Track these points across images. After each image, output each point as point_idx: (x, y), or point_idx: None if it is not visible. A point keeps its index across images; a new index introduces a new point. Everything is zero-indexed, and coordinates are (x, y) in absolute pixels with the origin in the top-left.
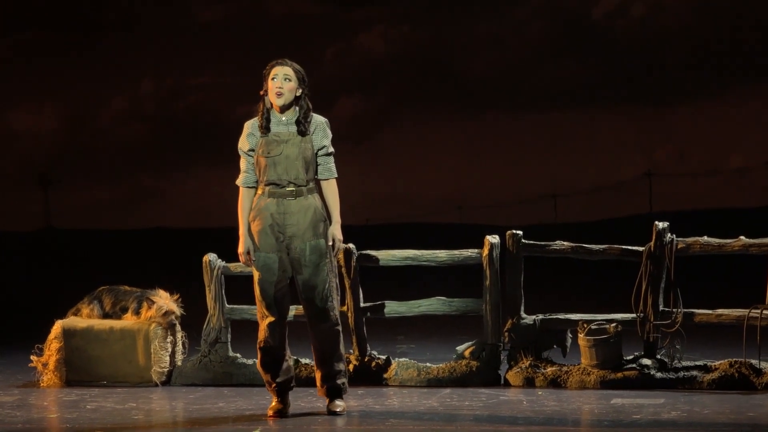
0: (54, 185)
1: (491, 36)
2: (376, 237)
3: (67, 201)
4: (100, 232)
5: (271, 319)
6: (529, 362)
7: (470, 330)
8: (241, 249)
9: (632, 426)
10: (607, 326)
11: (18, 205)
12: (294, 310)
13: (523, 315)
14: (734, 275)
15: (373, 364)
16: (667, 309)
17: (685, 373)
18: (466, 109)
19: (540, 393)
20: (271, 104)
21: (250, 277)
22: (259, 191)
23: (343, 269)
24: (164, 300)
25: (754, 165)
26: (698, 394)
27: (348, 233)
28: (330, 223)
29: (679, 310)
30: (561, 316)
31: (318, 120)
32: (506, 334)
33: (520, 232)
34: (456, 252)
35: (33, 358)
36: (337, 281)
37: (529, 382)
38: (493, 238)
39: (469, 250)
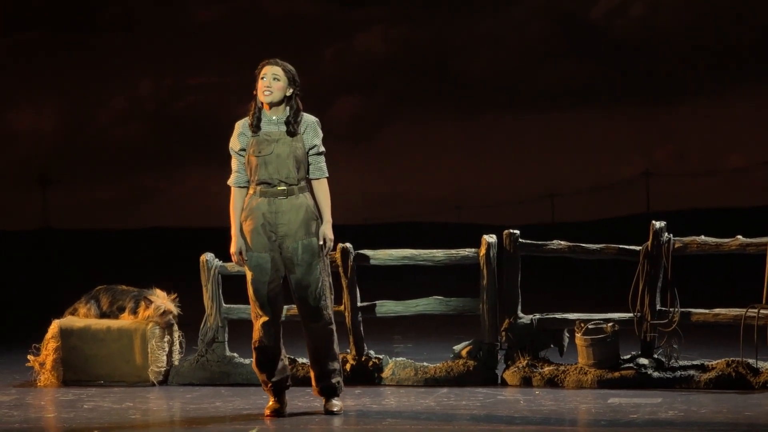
0: (53, 185)
1: (490, 36)
2: (374, 236)
3: (65, 200)
4: (99, 231)
5: (265, 318)
6: (526, 362)
7: (467, 329)
8: (233, 249)
9: (629, 425)
10: (605, 326)
11: (16, 204)
12: (290, 310)
13: (521, 314)
14: (731, 275)
15: (370, 363)
16: (664, 308)
17: (683, 373)
18: (465, 109)
19: (537, 392)
20: (262, 104)
21: (246, 276)
22: (251, 191)
23: (340, 269)
24: (162, 300)
25: (753, 165)
26: (695, 394)
27: (345, 233)
28: (321, 223)
29: (677, 309)
30: (558, 315)
31: (309, 119)
32: (503, 333)
33: (518, 232)
34: (453, 251)
35: (30, 357)
36: (330, 280)
37: (526, 382)
38: (491, 238)
39: (467, 250)
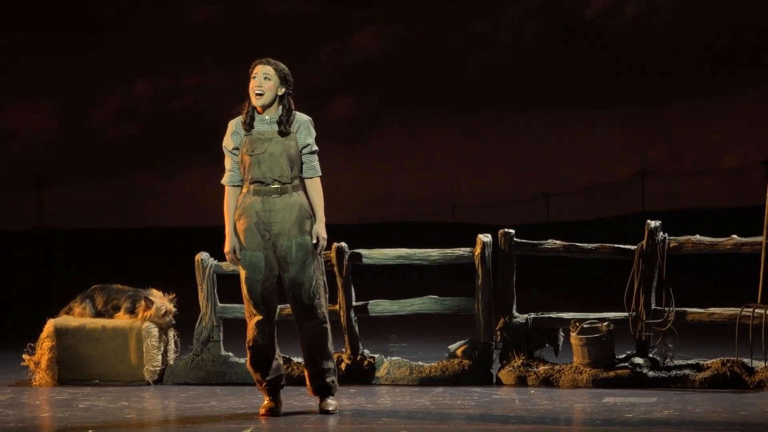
0: (48, 184)
1: (485, 36)
2: (370, 236)
3: (61, 200)
4: (94, 231)
5: (259, 317)
6: (521, 361)
7: (462, 329)
8: (227, 248)
9: (624, 425)
10: (600, 325)
11: (12, 204)
12: (284, 309)
13: (516, 314)
14: (726, 274)
15: (366, 362)
16: (659, 308)
17: (678, 372)
18: (460, 109)
19: (532, 392)
20: None
21: (240, 275)
22: (245, 189)
23: (335, 268)
24: (160, 300)
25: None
26: (690, 393)
27: (341, 232)
28: (315, 221)
29: (672, 308)
30: (553, 314)
31: (301, 118)
32: (498, 332)
33: (513, 231)
34: (448, 251)
35: (25, 356)
36: (325, 279)
37: (521, 381)
38: (486, 237)
39: (462, 249)
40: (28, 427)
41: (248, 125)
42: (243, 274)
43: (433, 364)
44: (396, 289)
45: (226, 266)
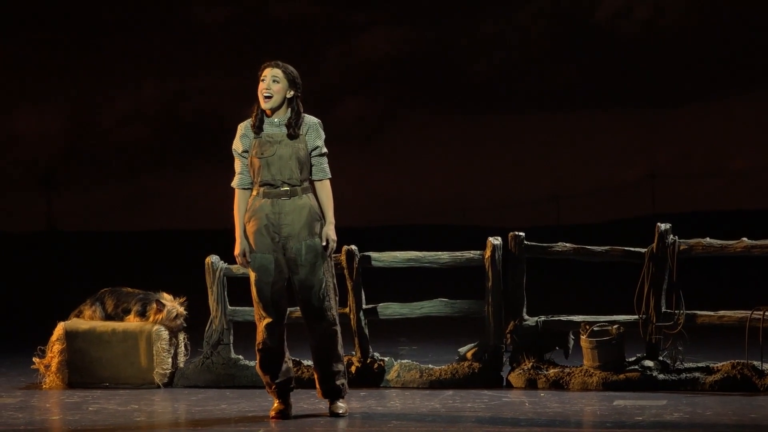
0: (57, 187)
1: (494, 37)
2: (379, 239)
3: (69, 202)
4: (103, 233)
5: (268, 320)
6: (531, 364)
7: (472, 332)
8: (237, 251)
9: (635, 427)
10: (610, 328)
11: (20, 206)
12: (293, 312)
13: (526, 317)
14: (737, 277)
15: (375, 365)
16: (669, 310)
17: (688, 375)
18: (469, 111)
19: (542, 395)
20: None
21: (249, 278)
22: (254, 192)
23: (345, 271)
24: (171, 303)
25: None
26: (701, 396)
27: (350, 235)
28: (324, 223)
29: (682, 311)
30: (563, 317)
31: (310, 121)
32: (508, 335)
33: (522, 234)
34: (458, 253)
35: (35, 360)
36: (335, 281)
37: (531, 384)
38: (496, 240)
39: (472, 252)
40: (38, 430)
41: (257, 128)
42: (253, 276)
43: (443, 366)
44: (406, 291)
45: (236, 269)
